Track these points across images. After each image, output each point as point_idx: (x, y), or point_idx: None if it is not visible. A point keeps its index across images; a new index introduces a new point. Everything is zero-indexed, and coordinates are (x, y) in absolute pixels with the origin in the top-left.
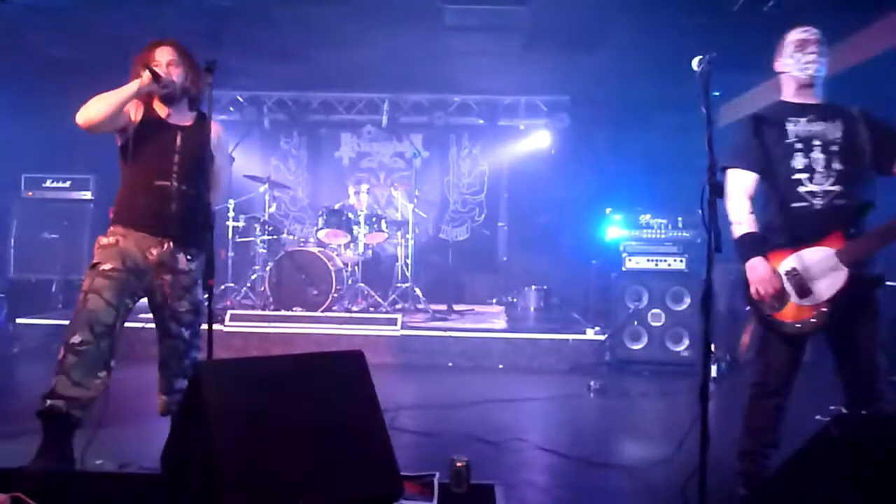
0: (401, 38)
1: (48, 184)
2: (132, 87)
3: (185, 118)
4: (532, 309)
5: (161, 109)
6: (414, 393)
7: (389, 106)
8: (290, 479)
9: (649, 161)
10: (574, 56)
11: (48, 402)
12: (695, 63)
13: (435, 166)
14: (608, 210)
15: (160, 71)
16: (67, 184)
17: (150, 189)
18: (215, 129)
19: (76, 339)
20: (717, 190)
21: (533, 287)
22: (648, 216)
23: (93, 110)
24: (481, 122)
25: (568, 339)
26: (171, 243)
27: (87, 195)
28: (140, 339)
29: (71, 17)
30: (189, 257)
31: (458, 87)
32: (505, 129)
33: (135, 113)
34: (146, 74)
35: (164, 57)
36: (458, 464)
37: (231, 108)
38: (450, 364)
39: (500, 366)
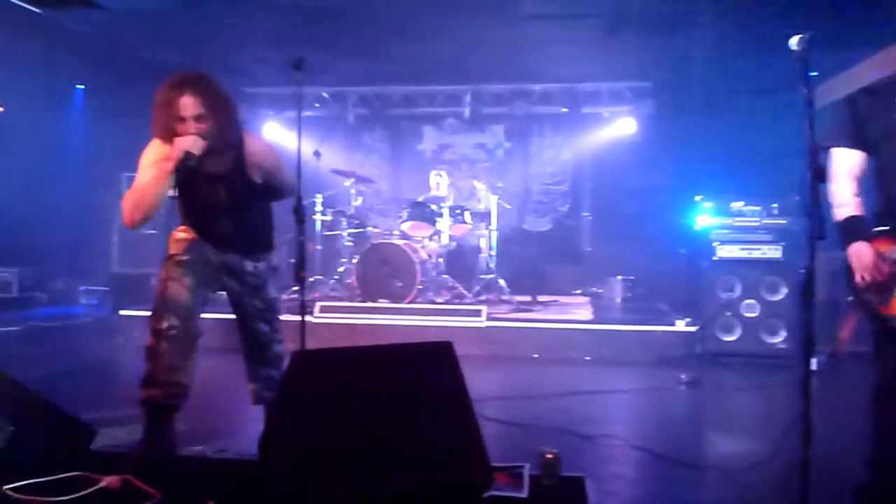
0: (481, 29)
1: None
2: (163, 182)
3: (223, 161)
4: (618, 300)
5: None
6: (500, 384)
7: (471, 97)
8: (381, 467)
9: (740, 146)
10: (659, 40)
11: (147, 390)
12: (793, 42)
13: (517, 157)
14: (697, 198)
15: (189, 147)
16: None
17: (202, 221)
18: (258, 159)
19: (164, 325)
20: (820, 174)
21: (619, 277)
22: (741, 203)
23: (137, 216)
24: (564, 110)
25: (656, 331)
26: (233, 254)
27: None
28: (229, 330)
29: (164, 21)
30: (254, 261)
31: (540, 76)
32: (588, 117)
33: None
34: (169, 166)
35: (189, 111)
36: (548, 455)
37: (316, 105)
38: (535, 355)
39: (587, 357)
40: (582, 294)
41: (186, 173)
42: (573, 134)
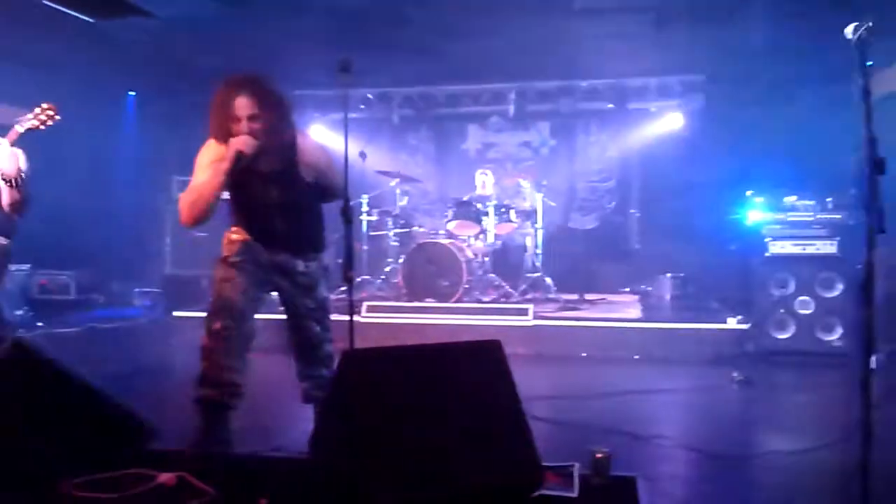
0: (528, 26)
1: None
2: (219, 181)
3: (275, 160)
4: (667, 297)
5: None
6: (548, 383)
7: (516, 95)
8: (431, 465)
9: (793, 140)
10: (710, 32)
11: (202, 389)
12: (848, 31)
13: (562, 154)
14: (749, 193)
15: (242, 147)
16: None
17: (255, 221)
18: (310, 158)
19: (218, 325)
20: (879, 166)
21: (668, 275)
22: (794, 198)
23: (194, 216)
24: (610, 106)
25: (707, 329)
26: (285, 254)
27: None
28: (280, 330)
29: (214, 27)
30: (306, 262)
31: (586, 72)
32: (635, 112)
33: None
34: (224, 166)
35: (243, 111)
36: (598, 455)
37: (362, 106)
38: (583, 354)
39: (636, 356)
40: (630, 292)
41: (241, 172)
42: (619, 130)
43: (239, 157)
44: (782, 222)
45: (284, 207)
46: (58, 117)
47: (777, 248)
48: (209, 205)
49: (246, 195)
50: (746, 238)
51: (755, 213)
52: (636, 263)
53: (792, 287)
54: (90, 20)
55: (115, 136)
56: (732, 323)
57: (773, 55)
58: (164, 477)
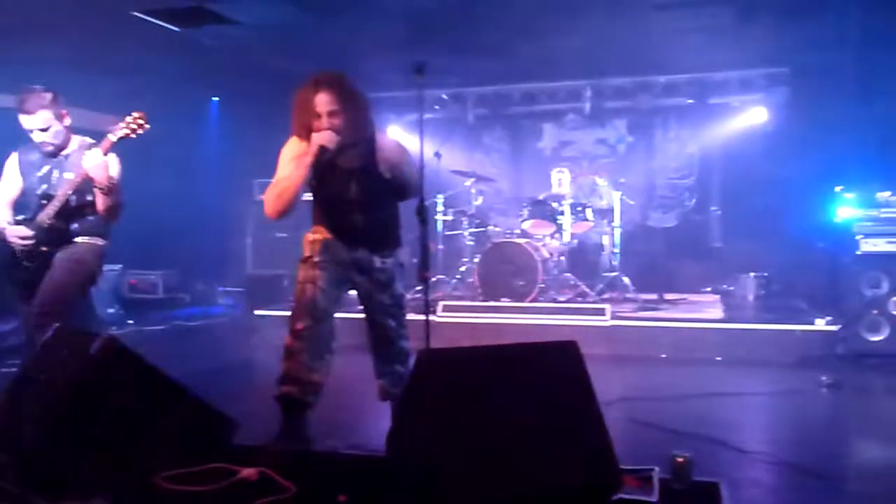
0: (605, 23)
1: None
2: (302, 174)
3: (354, 156)
4: (751, 297)
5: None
6: (626, 385)
7: (592, 92)
8: (507, 466)
9: (886, 133)
10: (796, 23)
11: (282, 387)
12: None
13: (640, 151)
14: (838, 188)
15: (324, 141)
16: None
17: (335, 217)
18: (388, 155)
19: (300, 325)
20: None
21: (751, 274)
22: (888, 193)
23: (277, 208)
24: (689, 101)
25: (794, 330)
26: (364, 249)
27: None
28: (359, 328)
29: (292, 32)
30: (383, 258)
31: (664, 68)
32: (715, 107)
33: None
34: (307, 160)
35: (324, 107)
36: (679, 459)
37: (436, 107)
38: (663, 355)
39: (718, 358)
40: (711, 292)
41: (322, 168)
42: (699, 126)
43: (321, 151)
44: (875, 219)
45: (363, 203)
46: (148, 126)
47: (869, 245)
48: (292, 198)
49: (326, 191)
50: (836, 235)
51: (845, 209)
52: (717, 262)
53: (886, 287)
54: (176, 29)
55: (199, 141)
56: (821, 324)
57: (863, 45)
58: (247, 472)
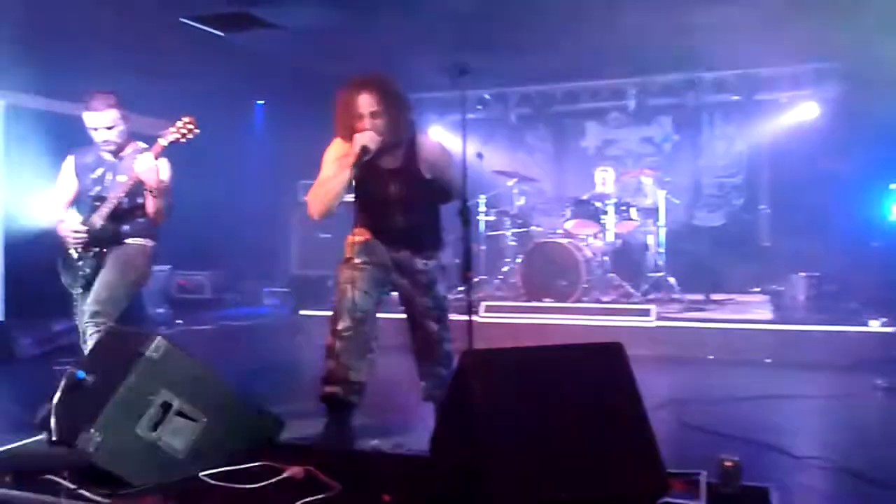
0: (649, 18)
1: None
2: (345, 175)
3: (395, 157)
4: (802, 298)
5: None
6: (672, 387)
7: (636, 90)
8: (552, 468)
9: None
10: (848, 15)
11: (326, 387)
12: None
13: (686, 149)
14: (893, 185)
15: (366, 142)
16: None
17: (376, 218)
18: (429, 156)
19: (341, 325)
20: None
21: (802, 274)
22: None
23: (320, 209)
24: (736, 98)
25: (847, 332)
26: (405, 251)
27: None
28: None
29: (334, 35)
30: (425, 260)
31: (711, 64)
32: (764, 103)
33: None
34: (349, 161)
35: (366, 108)
36: (728, 463)
37: (479, 107)
38: (710, 357)
39: (767, 360)
40: (760, 292)
41: (364, 169)
42: (747, 122)
43: (363, 151)
44: None
45: (404, 204)
46: (197, 130)
47: None
48: (335, 198)
49: (368, 192)
50: (891, 234)
51: None
52: (766, 262)
53: None
54: (221, 34)
55: (244, 145)
56: (875, 325)
57: None
58: (293, 470)
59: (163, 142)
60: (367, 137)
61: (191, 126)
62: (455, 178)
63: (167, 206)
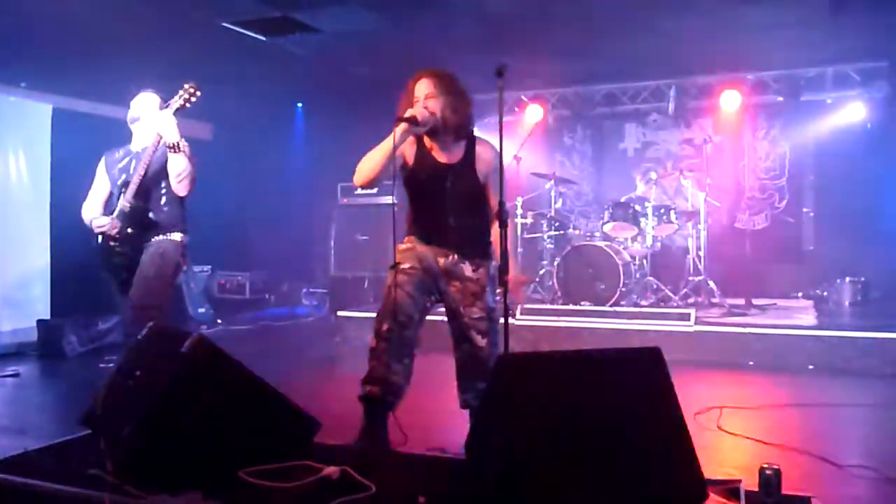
0: (689, 20)
1: (359, 191)
2: (389, 141)
3: (453, 152)
4: (847, 303)
5: (430, 144)
6: (711, 393)
7: (676, 91)
8: (587, 474)
9: None
10: (893, 13)
11: (366, 387)
12: None
13: (727, 151)
14: None
15: (416, 112)
16: (374, 190)
17: (428, 217)
18: (486, 157)
19: (384, 327)
20: None
21: (847, 279)
22: None
23: (364, 172)
24: (780, 99)
25: (893, 339)
26: (455, 255)
27: (390, 199)
28: (443, 332)
29: (375, 39)
30: (474, 267)
31: (753, 64)
32: (808, 104)
33: (410, 154)
34: (401, 127)
35: (422, 91)
36: (768, 471)
37: (516, 109)
38: (751, 363)
39: (810, 366)
40: (803, 297)
41: (420, 160)
42: (791, 124)
43: (411, 120)
44: None
45: (459, 203)
46: (199, 93)
47: None
48: (382, 163)
49: (423, 187)
50: None
51: None
52: (810, 266)
53: None
54: (262, 38)
55: (284, 147)
56: None
57: None
58: (329, 470)
59: (169, 109)
60: (417, 108)
61: (192, 90)
62: (498, 191)
63: (190, 168)
